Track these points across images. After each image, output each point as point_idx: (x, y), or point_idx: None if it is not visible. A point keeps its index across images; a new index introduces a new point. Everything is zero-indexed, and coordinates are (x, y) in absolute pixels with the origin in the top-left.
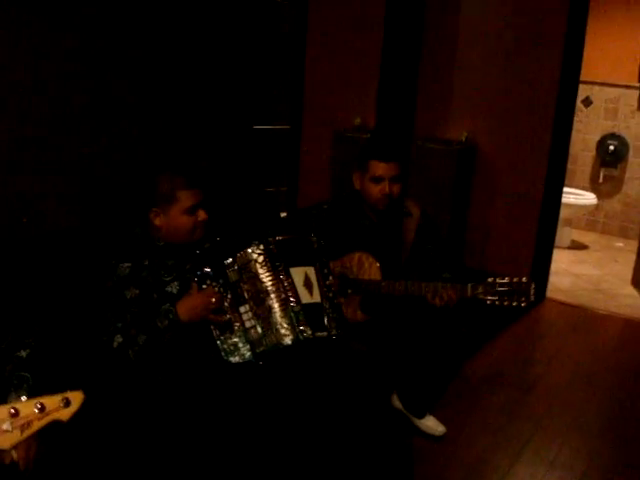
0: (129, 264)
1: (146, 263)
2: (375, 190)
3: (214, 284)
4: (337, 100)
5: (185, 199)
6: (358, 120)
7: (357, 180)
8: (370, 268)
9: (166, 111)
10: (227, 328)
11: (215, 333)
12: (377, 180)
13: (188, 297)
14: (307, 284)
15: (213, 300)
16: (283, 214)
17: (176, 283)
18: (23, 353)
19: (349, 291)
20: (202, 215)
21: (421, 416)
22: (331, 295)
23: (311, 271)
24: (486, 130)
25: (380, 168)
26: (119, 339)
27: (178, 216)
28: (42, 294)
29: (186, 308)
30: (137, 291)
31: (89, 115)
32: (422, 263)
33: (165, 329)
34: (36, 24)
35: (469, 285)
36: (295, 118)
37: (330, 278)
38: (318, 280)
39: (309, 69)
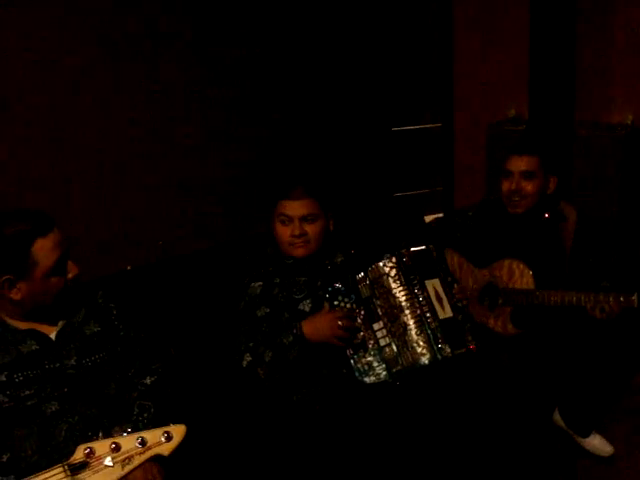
0: (260, 283)
1: (277, 281)
2: (504, 186)
3: (346, 300)
4: (489, 92)
5: (280, 207)
6: (512, 111)
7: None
8: (522, 277)
9: (307, 122)
10: (361, 347)
11: (349, 352)
12: (506, 174)
13: (316, 315)
14: (438, 297)
15: (340, 323)
16: (428, 218)
17: (308, 301)
18: (148, 380)
19: (499, 301)
20: (295, 230)
21: (586, 435)
22: (460, 305)
23: (437, 283)
24: None
25: (511, 161)
26: (248, 358)
27: (276, 223)
28: (174, 318)
29: (312, 326)
30: (267, 309)
31: (226, 128)
32: (581, 271)
33: (290, 345)
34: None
35: (635, 294)
36: (447, 115)
37: (455, 286)
38: (445, 292)
39: (457, 62)
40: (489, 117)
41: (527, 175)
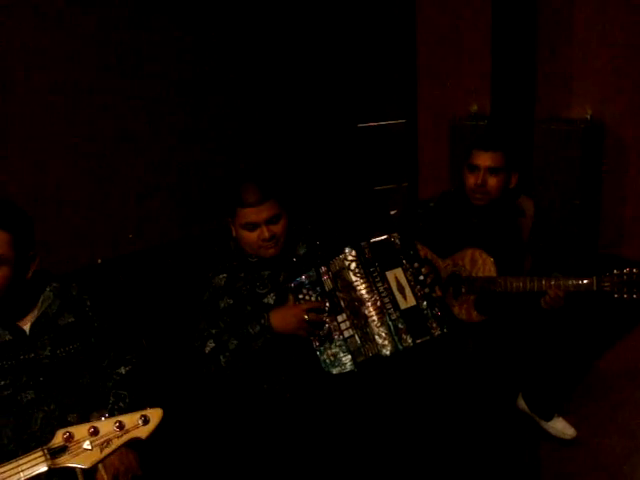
0: (225, 275)
1: (242, 275)
2: (470, 180)
3: (310, 293)
4: (452, 88)
5: (242, 216)
6: (475, 107)
7: (463, 172)
8: (484, 265)
9: (269, 114)
10: (326, 338)
11: (315, 344)
12: (472, 168)
13: (283, 307)
14: (399, 287)
15: (307, 317)
16: (393, 212)
17: (272, 294)
18: (123, 370)
19: (463, 290)
20: (264, 234)
21: (549, 418)
22: (427, 291)
23: (399, 272)
24: (614, 106)
25: (477, 156)
26: (211, 344)
27: (241, 231)
28: (144, 309)
29: (279, 318)
30: (230, 301)
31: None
32: (538, 262)
33: (256, 335)
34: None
35: (594, 278)
36: (410, 112)
37: (422, 271)
38: (409, 280)
39: (420, 60)
40: (452, 113)
41: (493, 170)
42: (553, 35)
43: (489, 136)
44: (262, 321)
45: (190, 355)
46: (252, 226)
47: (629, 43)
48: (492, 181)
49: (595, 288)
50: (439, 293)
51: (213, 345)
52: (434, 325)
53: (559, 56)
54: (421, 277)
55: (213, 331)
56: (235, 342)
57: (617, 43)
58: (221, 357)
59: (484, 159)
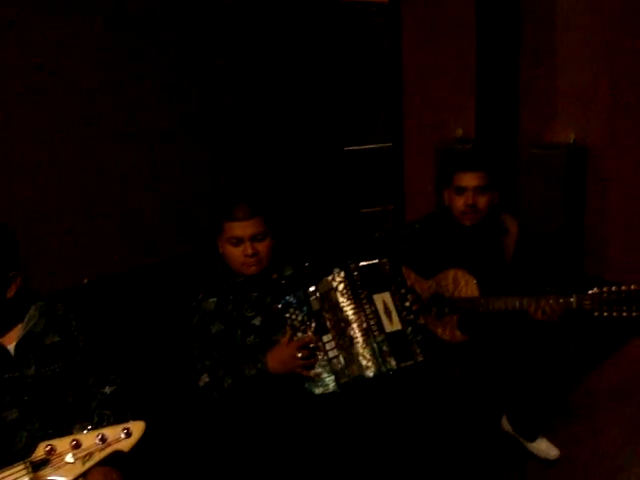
0: (215, 299)
1: (231, 298)
2: (459, 202)
3: (297, 312)
4: (437, 113)
5: (228, 230)
6: (460, 131)
7: (447, 196)
8: (467, 285)
9: (257, 138)
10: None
11: None
12: (460, 191)
13: (278, 348)
14: (386, 311)
15: (300, 355)
16: (377, 234)
17: (259, 317)
18: (107, 390)
19: (446, 310)
20: (247, 249)
21: (532, 439)
22: (412, 318)
23: (387, 297)
24: (597, 131)
25: (463, 178)
26: (206, 379)
27: (226, 246)
28: (129, 330)
29: (276, 360)
30: (222, 326)
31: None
32: (523, 280)
33: (252, 377)
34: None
35: (574, 296)
36: (397, 135)
37: (408, 297)
38: (396, 305)
39: (406, 85)
40: (438, 137)
41: (480, 190)
42: (536, 61)
43: (471, 157)
44: (259, 365)
45: (181, 382)
46: (237, 240)
47: (613, 70)
48: (481, 200)
49: (575, 306)
50: (422, 321)
51: (208, 380)
52: (417, 351)
53: (542, 82)
54: (407, 303)
55: (207, 362)
56: (230, 381)
57: (601, 70)
58: (215, 392)
59: (470, 180)
